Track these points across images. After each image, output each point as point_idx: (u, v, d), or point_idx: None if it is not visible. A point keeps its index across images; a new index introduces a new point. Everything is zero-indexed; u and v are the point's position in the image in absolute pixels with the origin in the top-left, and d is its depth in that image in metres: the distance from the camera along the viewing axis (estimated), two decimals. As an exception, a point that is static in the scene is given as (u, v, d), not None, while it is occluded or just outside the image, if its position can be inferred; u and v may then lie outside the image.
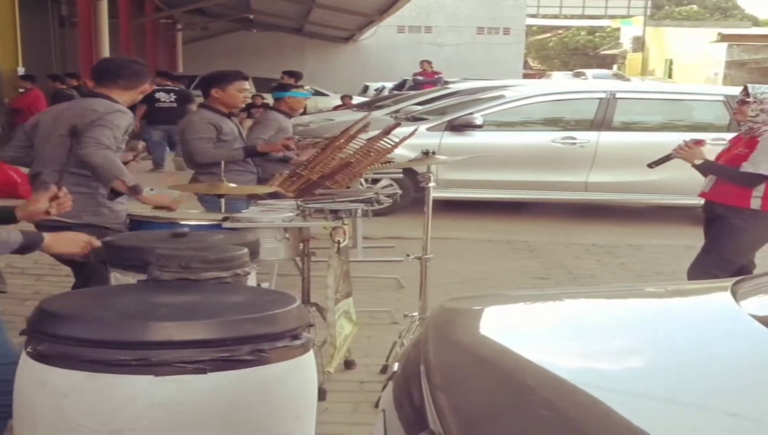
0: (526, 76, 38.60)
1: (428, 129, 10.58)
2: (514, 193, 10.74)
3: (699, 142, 5.76)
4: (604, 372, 2.30)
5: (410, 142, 6.46)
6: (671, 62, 46.80)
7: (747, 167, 5.46)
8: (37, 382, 2.57)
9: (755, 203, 5.48)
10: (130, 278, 3.56)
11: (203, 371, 2.48)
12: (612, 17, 60.25)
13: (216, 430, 2.54)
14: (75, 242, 3.44)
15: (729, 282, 2.91)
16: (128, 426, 2.48)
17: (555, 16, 62.29)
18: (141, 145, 17.45)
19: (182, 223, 4.47)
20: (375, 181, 9.55)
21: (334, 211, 4.80)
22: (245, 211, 4.95)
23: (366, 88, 29.22)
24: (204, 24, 34.20)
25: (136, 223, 4.53)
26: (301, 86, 8.32)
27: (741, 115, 5.67)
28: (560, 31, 64.90)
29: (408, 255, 5.45)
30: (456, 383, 2.29)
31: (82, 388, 2.49)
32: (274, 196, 5.56)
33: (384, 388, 2.91)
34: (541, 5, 57.96)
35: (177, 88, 14.95)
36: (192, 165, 6.19)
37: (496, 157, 10.07)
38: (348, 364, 5.10)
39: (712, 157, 5.79)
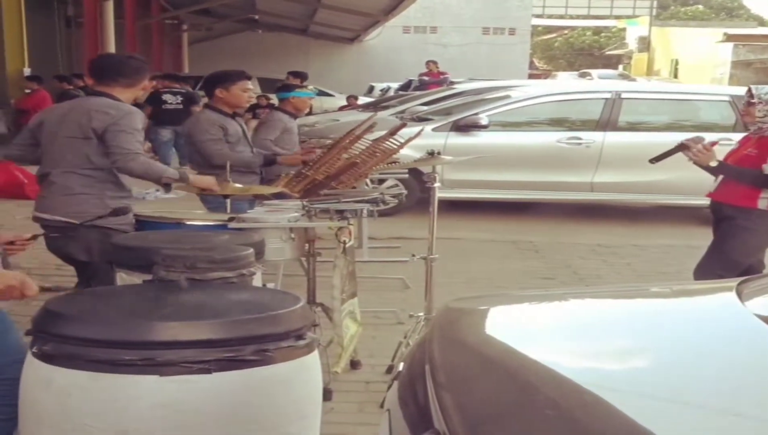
0: (531, 76, 38.54)
1: (434, 129, 10.58)
2: (519, 193, 10.73)
3: (713, 144, 5.75)
4: (609, 372, 2.30)
5: (416, 142, 6.46)
6: (677, 62, 46.71)
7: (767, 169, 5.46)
8: (43, 382, 2.58)
9: (762, 204, 5.47)
10: (136, 278, 3.57)
11: (208, 371, 2.48)
12: (618, 17, 60.17)
13: (221, 429, 2.55)
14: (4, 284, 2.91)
15: (734, 282, 2.90)
16: (133, 426, 2.49)
17: (560, 17, 62.22)
18: (147, 145, 17.67)
19: (188, 223, 4.49)
20: (380, 181, 9.56)
21: (340, 212, 4.80)
22: (251, 211, 4.96)
23: (371, 89, 29.21)
24: (209, 24, 34.22)
25: (142, 224, 4.53)
26: (306, 87, 8.33)
27: (749, 116, 5.68)
28: (566, 32, 64.82)
29: (413, 255, 5.44)
30: (461, 383, 2.29)
31: (88, 388, 2.49)
32: (279, 196, 5.56)
33: (389, 388, 2.91)
34: (546, 5, 57.88)
35: (183, 90, 15.12)
36: (198, 166, 6.18)
37: (501, 158, 10.07)
38: (353, 364, 5.10)
39: (720, 157, 5.78)
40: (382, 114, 13.06)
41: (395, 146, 6.03)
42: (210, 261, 3.10)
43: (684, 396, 2.08)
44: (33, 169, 4.97)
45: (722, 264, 5.55)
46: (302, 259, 5.20)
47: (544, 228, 10.12)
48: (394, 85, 26.78)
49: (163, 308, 2.72)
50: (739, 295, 2.72)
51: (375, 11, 26.99)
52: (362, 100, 21.76)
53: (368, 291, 6.31)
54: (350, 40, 37.32)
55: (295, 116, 7.28)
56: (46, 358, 2.57)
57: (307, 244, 4.84)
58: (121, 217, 4.46)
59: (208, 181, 5.15)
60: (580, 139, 10.65)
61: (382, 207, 5.07)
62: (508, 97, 11.62)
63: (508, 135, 10.87)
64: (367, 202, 4.97)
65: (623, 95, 11.07)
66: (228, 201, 5.32)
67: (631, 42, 57.90)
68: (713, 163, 5.63)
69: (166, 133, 14.59)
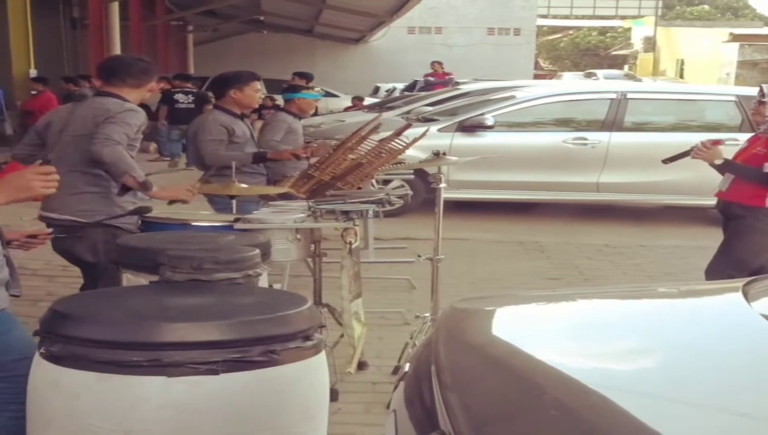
0: (536, 76, 38.52)
1: (439, 130, 10.57)
2: (525, 193, 10.73)
3: (717, 143, 5.75)
4: (616, 372, 2.30)
5: (421, 143, 6.46)
6: (682, 62, 46.65)
7: None
8: (50, 382, 2.59)
9: None
10: (142, 279, 3.58)
11: (215, 372, 2.49)
12: (623, 17, 60.09)
13: (228, 430, 2.55)
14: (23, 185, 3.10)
15: (741, 282, 2.90)
16: (140, 427, 2.49)
17: (566, 17, 62.14)
18: (153, 146, 17.66)
19: (194, 224, 4.49)
20: (386, 182, 9.55)
21: (346, 212, 4.80)
22: (256, 212, 4.96)
23: (377, 89, 29.21)
24: (215, 26, 34.24)
25: (148, 224, 4.54)
26: (312, 87, 8.33)
27: (759, 115, 5.69)
28: (571, 32, 64.75)
29: (419, 256, 5.45)
30: (467, 383, 2.29)
31: (95, 388, 2.50)
32: (285, 197, 5.56)
33: (395, 388, 2.91)
34: (551, 6, 57.83)
35: (195, 90, 15.88)
36: (202, 166, 6.19)
37: (507, 158, 10.07)
38: (360, 365, 5.09)
39: (728, 156, 5.78)
40: (388, 114, 13.08)
41: (401, 147, 6.04)
42: (216, 262, 3.09)
43: (690, 396, 2.08)
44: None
45: (732, 264, 5.54)
46: (308, 259, 5.21)
47: (550, 228, 10.11)
48: (400, 86, 26.78)
49: (170, 309, 2.73)
50: (746, 295, 2.71)
51: (380, 12, 27.01)
52: (368, 100, 21.75)
53: (374, 292, 6.31)
54: (355, 41, 37.33)
55: (299, 117, 7.28)
56: (53, 358, 2.58)
57: (313, 245, 4.84)
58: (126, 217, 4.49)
59: (172, 193, 4.87)
60: (585, 139, 10.64)
61: (387, 208, 5.07)
62: (513, 97, 11.62)
63: (514, 135, 10.86)
64: (372, 202, 4.97)
65: (629, 95, 11.06)
66: (234, 202, 5.32)
67: (637, 42, 57.81)
68: (718, 161, 5.63)
69: (176, 132, 15.30)
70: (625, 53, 59.46)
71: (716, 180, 5.94)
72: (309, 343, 2.73)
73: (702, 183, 8.35)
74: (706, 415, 1.98)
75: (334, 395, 4.19)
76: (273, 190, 5.67)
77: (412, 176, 8.97)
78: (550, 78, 40.06)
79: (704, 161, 5.67)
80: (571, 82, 29.29)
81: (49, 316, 2.66)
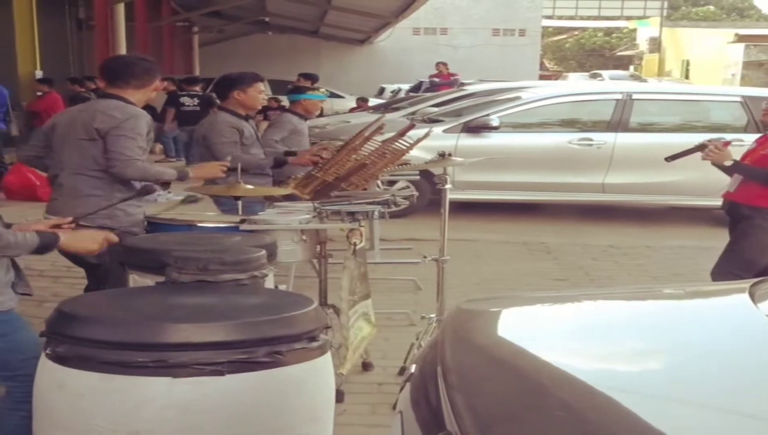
0: (542, 77, 38.43)
1: (444, 131, 10.57)
2: (530, 194, 10.72)
3: (727, 144, 5.74)
4: (621, 373, 2.30)
5: (427, 144, 6.44)
6: (688, 63, 46.59)
7: None
8: (56, 383, 2.59)
9: None
10: (148, 280, 3.58)
11: (221, 373, 2.49)
12: (628, 18, 60.02)
13: (233, 431, 2.55)
14: (91, 239, 3.48)
15: (747, 283, 2.90)
16: (146, 427, 2.49)
17: (571, 18, 62.11)
18: (158, 147, 17.71)
19: (200, 225, 4.49)
20: (391, 182, 9.55)
21: (351, 213, 4.80)
22: (262, 213, 4.96)
23: (382, 90, 29.19)
24: (220, 27, 34.27)
25: (154, 225, 4.54)
26: (317, 88, 8.33)
27: None
28: (576, 33, 64.73)
29: (425, 257, 5.44)
30: (473, 384, 2.29)
31: (100, 389, 2.50)
32: (289, 198, 5.56)
33: (401, 389, 2.91)
34: (557, 6, 57.80)
35: (200, 93, 16.17)
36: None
37: (512, 159, 10.07)
38: (366, 366, 5.09)
39: (735, 157, 5.77)
40: (393, 115, 13.10)
41: (404, 147, 6.04)
42: (222, 263, 3.10)
43: (696, 397, 2.08)
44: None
45: (738, 264, 5.54)
46: (314, 260, 5.21)
47: (556, 229, 10.10)
48: (405, 87, 26.77)
49: (176, 310, 2.73)
50: (752, 296, 2.71)
51: (385, 13, 27.01)
52: (372, 102, 21.75)
53: (380, 292, 6.31)
54: (360, 42, 37.33)
55: (305, 118, 7.28)
56: (59, 359, 2.58)
57: (318, 246, 4.84)
58: (134, 218, 4.50)
59: (209, 169, 5.17)
60: (591, 140, 10.62)
61: (393, 208, 5.07)
62: (518, 98, 11.61)
63: (519, 136, 10.85)
64: (378, 203, 4.97)
65: (634, 96, 11.04)
66: (239, 203, 5.32)
67: (642, 43, 57.78)
68: (728, 163, 5.62)
69: (183, 134, 15.61)
70: (631, 54, 59.44)
71: (721, 181, 5.93)
72: (314, 344, 2.73)
73: (707, 184, 8.35)
74: (712, 416, 1.98)
75: (339, 396, 4.19)
76: (278, 192, 5.67)
77: (418, 177, 8.97)
78: (556, 79, 40.02)
79: (716, 162, 5.66)
80: (576, 82, 29.26)
81: (55, 317, 2.66)
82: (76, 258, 4.67)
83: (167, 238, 4.00)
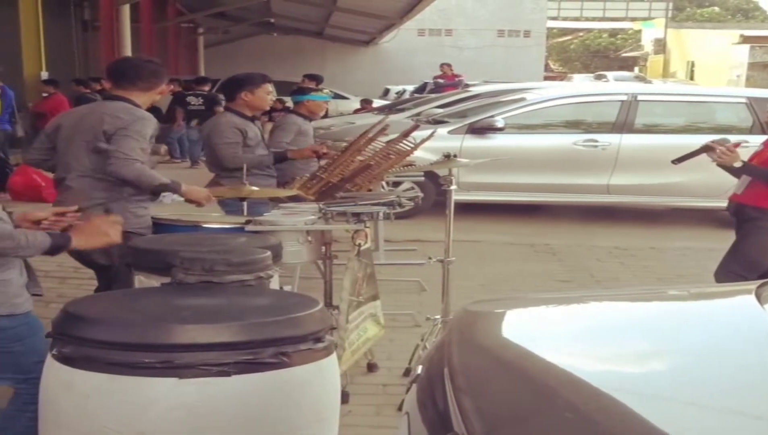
0: (547, 78, 38.49)
1: (449, 132, 10.57)
2: (535, 195, 10.71)
3: (737, 145, 5.72)
4: (627, 375, 2.29)
5: (432, 145, 6.46)
6: (693, 64, 46.57)
7: None
8: (63, 384, 2.59)
9: None
10: (154, 281, 3.58)
11: (227, 374, 2.49)
12: (633, 19, 60.09)
13: (239, 432, 2.55)
14: (100, 233, 3.45)
15: (753, 284, 2.89)
16: (151, 428, 2.50)
17: (576, 19, 62.17)
18: (163, 148, 17.75)
19: (205, 226, 4.49)
20: (396, 184, 9.54)
21: (356, 214, 4.80)
22: (267, 214, 4.96)
23: (387, 91, 29.23)
24: (225, 28, 34.29)
25: (160, 226, 4.54)
26: (321, 89, 8.33)
27: None
28: (581, 34, 64.72)
29: (430, 258, 5.45)
30: (480, 386, 2.29)
31: (107, 390, 2.51)
32: (294, 199, 5.57)
33: (408, 391, 2.91)
34: (561, 8, 57.87)
35: (205, 93, 16.47)
36: (216, 168, 6.20)
37: (517, 160, 10.05)
38: (371, 367, 5.10)
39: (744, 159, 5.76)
40: (398, 117, 13.10)
41: (409, 148, 6.04)
42: (228, 264, 3.10)
43: (702, 399, 2.07)
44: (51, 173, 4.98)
45: (742, 264, 5.54)
46: (319, 261, 5.21)
47: (561, 230, 10.09)
48: (410, 88, 26.79)
49: (182, 311, 2.73)
50: (759, 297, 2.71)
51: (390, 14, 27.02)
52: (376, 103, 21.76)
53: (385, 294, 6.28)
54: (365, 43, 37.37)
55: (310, 119, 7.28)
56: (65, 360, 2.59)
57: (323, 247, 4.84)
58: (142, 220, 4.51)
59: (198, 193, 4.95)
60: (596, 141, 10.61)
61: (398, 210, 5.07)
62: (523, 99, 11.61)
63: (524, 137, 10.85)
64: (383, 204, 4.97)
65: (639, 97, 11.03)
66: (244, 204, 5.32)
67: (647, 44, 57.78)
68: (737, 164, 5.61)
69: (193, 132, 15.83)
70: (636, 55, 59.43)
71: (727, 182, 5.93)
72: (320, 345, 2.73)
73: (712, 185, 8.35)
74: (718, 417, 1.97)
75: (344, 397, 4.19)
76: (283, 193, 5.68)
77: (423, 178, 8.97)
78: (560, 80, 40.01)
79: (726, 164, 5.63)
80: (581, 84, 29.24)
81: (62, 318, 2.66)
82: (86, 260, 4.67)
83: (173, 239, 4.00)
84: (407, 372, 4.96)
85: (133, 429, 2.50)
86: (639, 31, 60.12)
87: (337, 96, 23.34)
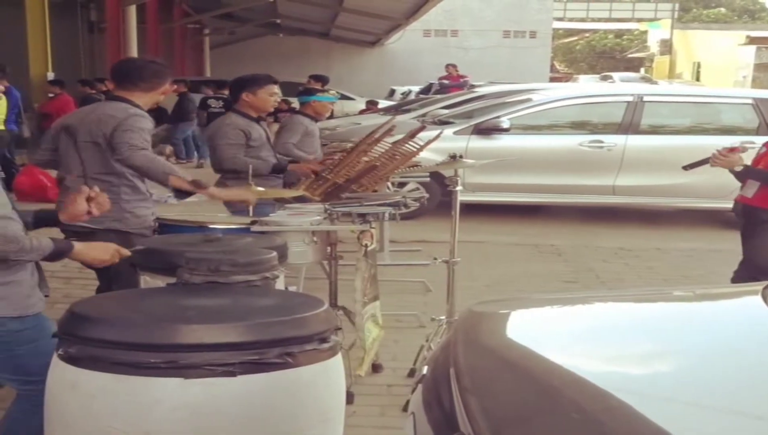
0: (552, 79, 38.45)
1: (455, 133, 10.57)
2: (541, 196, 10.71)
3: (734, 150, 5.71)
4: (633, 375, 2.29)
5: (437, 145, 6.46)
6: (699, 65, 46.52)
7: None
8: (68, 384, 2.60)
9: None
10: (160, 281, 3.59)
11: (232, 374, 2.49)
12: (639, 20, 59.97)
13: (244, 432, 2.55)
14: (104, 250, 3.48)
15: (760, 286, 2.89)
16: (157, 428, 2.50)
17: (582, 20, 62.05)
18: (169, 149, 17.83)
19: (211, 226, 4.49)
20: (402, 184, 9.55)
21: (362, 215, 4.80)
22: (273, 214, 4.96)
23: (392, 92, 29.21)
24: (231, 28, 34.34)
25: (165, 227, 4.55)
26: (327, 90, 8.33)
27: None
28: (587, 35, 64.67)
29: (435, 258, 5.44)
30: (486, 386, 2.29)
31: (112, 390, 2.51)
32: (300, 199, 5.57)
33: (413, 391, 2.92)
34: (567, 9, 57.79)
35: (225, 96, 16.50)
36: (219, 169, 6.19)
37: (523, 161, 10.04)
38: (375, 368, 5.09)
39: (747, 161, 5.75)
40: (404, 117, 13.10)
41: (414, 149, 6.04)
42: (234, 264, 3.10)
43: (708, 400, 2.07)
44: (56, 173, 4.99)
45: (755, 269, 5.51)
46: (324, 262, 5.21)
47: (566, 231, 10.09)
48: (416, 89, 26.78)
49: (187, 311, 2.73)
50: (765, 298, 2.70)
51: (396, 15, 27.03)
52: (383, 103, 21.76)
53: (390, 294, 6.30)
54: (371, 44, 37.36)
55: (315, 120, 7.28)
56: (71, 360, 2.59)
57: (329, 248, 4.84)
58: (143, 221, 4.51)
59: (240, 195, 5.00)
60: (601, 142, 10.60)
61: (403, 210, 5.07)
62: (529, 100, 11.60)
63: (530, 138, 10.85)
64: (388, 205, 4.97)
65: (645, 98, 11.01)
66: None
67: (653, 45, 57.74)
68: (738, 168, 5.60)
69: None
70: (642, 56, 59.39)
71: (732, 183, 5.91)
72: (325, 346, 2.73)
73: (718, 186, 8.33)
74: (724, 418, 1.97)
75: (349, 398, 4.19)
76: (288, 193, 5.68)
77: (428, 179, 8.98)
78: (566, 81, 39.97)
79: (724, 168, 5.64)
80: (587, 84, 29.21)
81: (67, 318, 2.67)
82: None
83: (178, 239, 4.00)
84: (412, 373, 4.96)
85: (138, 429, 2.50)
86: (645, 32, 60.06)
87: (342, 97, 23.36)
